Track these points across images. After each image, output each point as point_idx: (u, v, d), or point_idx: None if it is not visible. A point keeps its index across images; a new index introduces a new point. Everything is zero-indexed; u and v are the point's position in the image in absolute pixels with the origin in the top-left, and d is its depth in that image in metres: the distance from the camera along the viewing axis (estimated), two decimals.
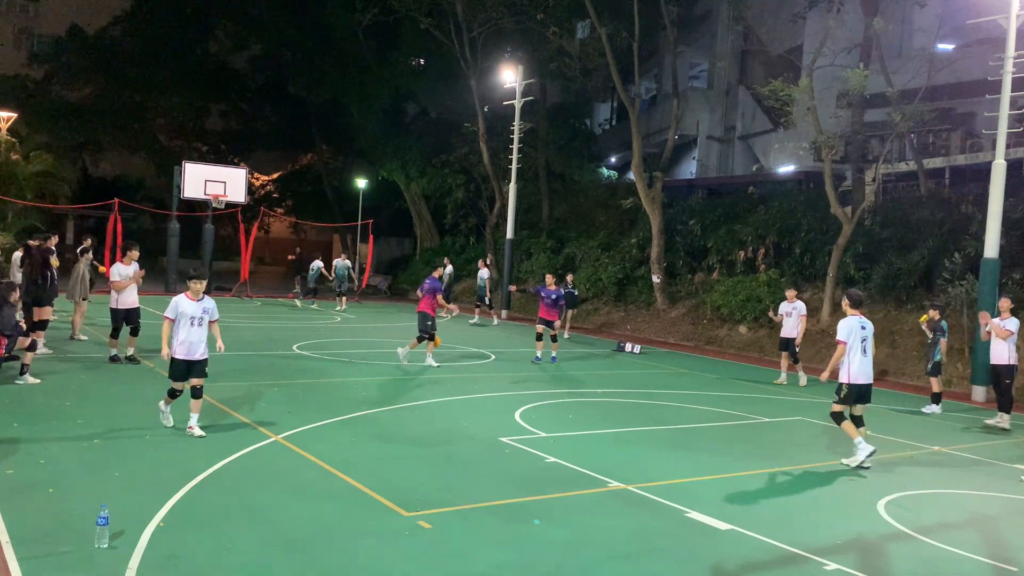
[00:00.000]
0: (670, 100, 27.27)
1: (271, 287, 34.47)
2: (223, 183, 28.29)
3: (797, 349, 15.61)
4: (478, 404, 11.85)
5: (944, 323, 13.80)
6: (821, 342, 19.14)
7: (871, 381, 9.43)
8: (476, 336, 20.80)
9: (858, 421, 9.45)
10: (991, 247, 15.22)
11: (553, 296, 16.49)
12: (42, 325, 12.91)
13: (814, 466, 9.32)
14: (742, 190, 28.80)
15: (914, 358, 17.49)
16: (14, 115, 32.00)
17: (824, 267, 20.83)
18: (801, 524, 7.17)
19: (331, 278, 27.53)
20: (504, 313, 27.23)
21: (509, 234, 27.64)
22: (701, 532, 6.77)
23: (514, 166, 27.60)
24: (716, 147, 36.43)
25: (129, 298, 13.03)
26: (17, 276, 13.88)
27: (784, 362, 15.74)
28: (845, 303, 9.61)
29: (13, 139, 31.69)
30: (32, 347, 11.11)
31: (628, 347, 19.73)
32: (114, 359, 13.03)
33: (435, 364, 14.87)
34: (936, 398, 13.54)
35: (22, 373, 10.98)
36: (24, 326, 11.43)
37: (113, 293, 13.04)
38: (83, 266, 15.21)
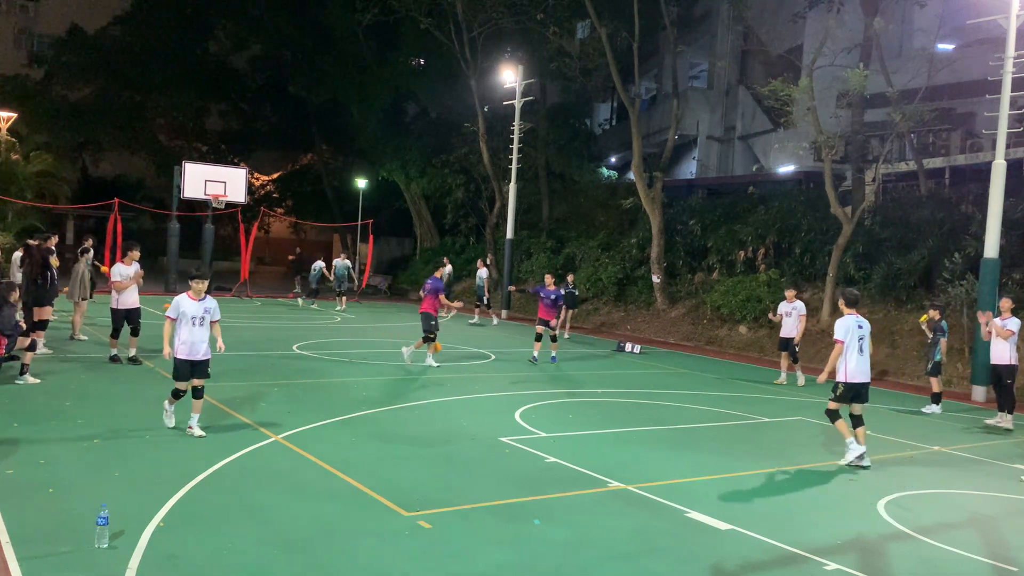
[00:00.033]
0: (670, 100, 27.27)
1: (271, 287, 34.47)
2: (223, 183, 28.29)
3: (797, 349, 15.61)
4: (478, 404, 11.85)
5: (944, 323, 13.80)
6: (821, 342, 19.13)
7: (868, 380, 9.44)
8: (476, 336, 20.80)
9: (858, 420, 9.46)
10: (991, 247, 15.22)
11: (552, 296, 16.50)
12: (42, 325, 12.91)
13: (814, 466, 9.32)
14: (742, 190, 28.80)
15: (914, 358, 17.49)
16: (14, 115, 32.01)
17: (824, 267, 20.83)
18: (801, 524, 7.17)
19: (331, 279, 27.55)
20: (504, 313, 27.24)
21: (509, 234, 27.64)
22: (701, 532, 6.77)
23: (514, 166, 27.61)
24: (716, 147, 36.44)
25: (130, 298, 13.04)
26: (17, 276, 13.88)
27: (784, 362, 15.74)
28: (841, 303, 9.69)
29: (13, 139, 31.70)
30: (32, 347, 11.11)
31: (628, 347, 19.73)
32: (114, 359, 13.03)
33: (435, 364, 14.86)
34: (936, 398, 13.54)
35: (22, 373, 10.99)
36: (24, 326, 11.42)
37: (114, 293, 13.05)
38: (83, 266, 15.22)
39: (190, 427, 8.80)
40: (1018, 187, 18.35)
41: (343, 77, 36.49)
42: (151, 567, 5.36)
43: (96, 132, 39.97)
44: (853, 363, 9.26)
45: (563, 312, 22.03)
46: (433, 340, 14.86)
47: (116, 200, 27.04)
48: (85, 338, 15.30)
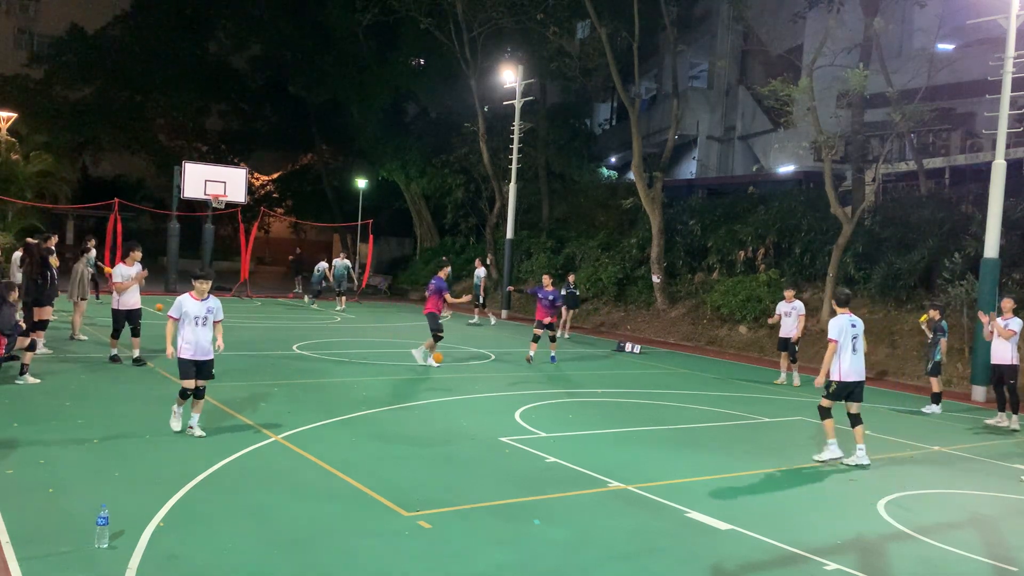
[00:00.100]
0: (670, 100, 27.27)
1: (271, 287, 34.48)
2: (223, 183, 28.29)
3: (796, 348, 15.62)
4: (478, 404, 11.86)
5: (944, 323, 13.80)
6: (821, 342, 19.10)
7: (863, 379, 9.49)
8: (476, 336, 20.80)
9: (855, 419, 9.48)
10: (991, 247, 15.22)
11: (550, 297, 16.46)
12: (42, 325, 12.90)
13: (814, 466, 9.32)
14: (742, 190, 28.80)
15: (914, 358, 17.49)
16: (14, 115, 32.01)
17: (824, 267, 20.82)
18: (801, 524, 7.17)
19: (330, 280, 27.56)
20: (504, 313, 27.24)
21: (509, 234, 27.65)
22: (701, 532, 6.77)
23: (514, 166, 27.61)
24: (716, 147, 36.43)
25: (131, 299, 13.02)
26: (17, 276, 13.89)
27: (784, 362, 15.73)
28: (833, 303, 9.83)
29: (13, 139, 31.70)
30: (32, 347, 11.11)
31: (628, 347, 19.73)
32: (114, 359, 13.03)
33: (435, 364, 14.86)
34: (936, 398, 13.54)
35: (22, 373, 10.99)
36: (24, 326, 11.43)
37: (115, 294, 13.04)
38: (82, 266, 15.21)
39: (190, 427, 8.80)
40: (1018, 187, 18.35)
41: (343, 77, 36.49)
42: (151, 567, 5.36)
43: (96, 132, 39.97)
44: (847, 362, 9.32)
45: (564, 312, 22.06)
46: (440, 339, 14.85)
47: (116, 200, 27.05)
48: (85, 338, 15.30)
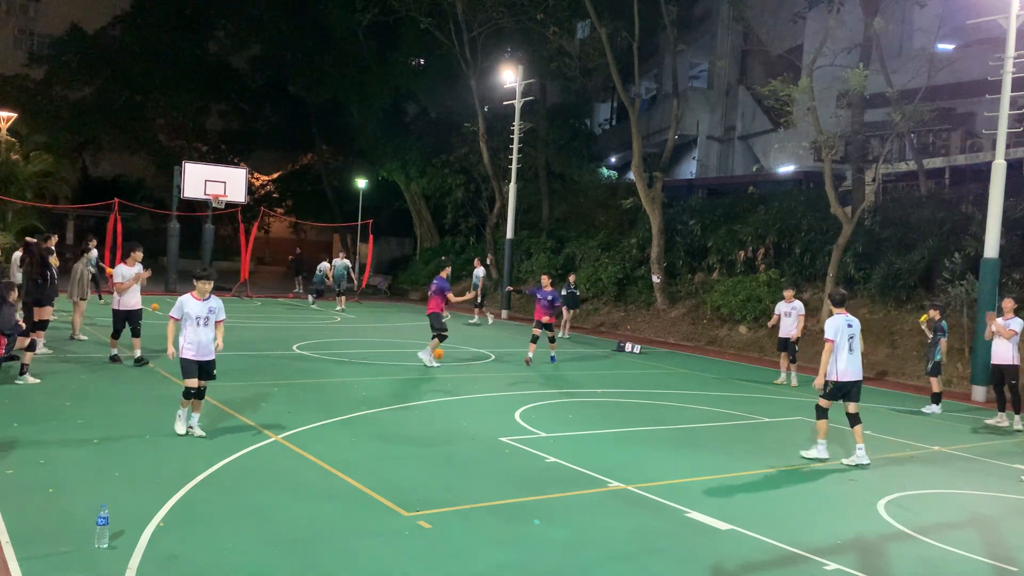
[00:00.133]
0: (670, 100, 27.27)
1: (271, 287, 34.49)
2: (223, 183, 28.30)
3: (796, 348, 15.62)
4: (478, 404, 11.86)
5: (944, 323, 13.80)
6: (820, 342, 18.98)
7: (860, 378, 9.52)
8: (476, 336, 20.80)
9: (854, 419, 9.50)
10: (991, 247, 15.22)
11: (549, 297, 16.41)
12: (42, 325, 12.90)
13: (814, 466, 9.32)
14: (742, 190, 28.80)
15: (914, 358, 17.48)
16: (14, 115, 32.01)
17: (824, 267, 20.83)
18: (801, 524, 7.17)
19: (330, 280, 27.56)
20: (504, 313, 27.25)
21: (509, 234, 27.65)
22: (701, 532, 6.77)
23: (514, 166, 27.61)
24: (716, 147, 36.43)
25: (131, 300, 12.99)
26: (17, 276, 13.89)
27: (784, 362, 15.73)
28: (829, 303, 9.82)
29: (13, 139, 31.71)
30: (32, 347, 11.11)
31: (628, 347, 19.73)
32: (114, 359, 13.02)
33: (436, 364, 14.86)
34: (936, 398, 13.55)
35: (22, 373, 10.99)
36: (24, 326, 11.43)
37: (115, 294, 13.02)
38: (82, 266, 15.21)
39: (190, 427, 8.80)
40: (1018, 187, 18.35)
41: (343, 77, 36.50)
42: (151, 567, 5.36)
43: (96, 132, 39.97)
44: (843, 362, 9.35)
45: (564, 312, 22.06)
46: (446, 338, 14.84)
47: (116, 200, 27.05)
48: (85, 338, 15.30)
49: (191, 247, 33.64)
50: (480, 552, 6.05)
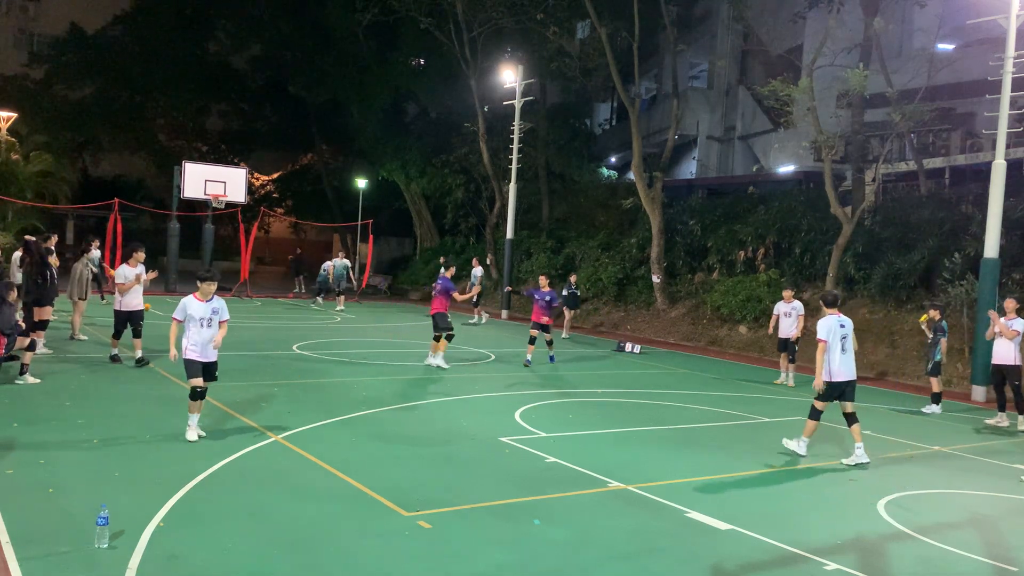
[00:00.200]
0: (670, 100, 27.26)
1: (271, 287, 34.49)
2: (223, 183, 28.29)
3: (796, 348, 15.62)
4: (478, 404, 11.85)
5: (944, 323, 13.79)
6: None
7: (854, 378, 9.55)
8: (476, 336, 20.80)
9: (851, 419, 9.53)
10: (991, 247, 15.22)
11: (547, 298, 16.34)
12: (42, 325, 12.90)
13: (814, 466, 9.33)
14: (742, 190, 28.80)
15: (914, 358, 17.48)
16: (14, 115, 32.01)
17: (824, 267, 20.83)
18: (801, 524, 7.17)
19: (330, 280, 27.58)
20: (504, 313, 27.26)
21: (509, 234, 27.65)
22: (701, 532, 6.78)
23: (514, 166, 27.61)
24: (716, 147, 36.42)
25: (133, 300, 12.96)
26: (17, 276, 13.88)
27: (783, 362, 15.73)
28: (821, 304, 9.95)
29: (13, 139, 31.70)
30: (31, 347, 11.11)
31: (628, 347, 19.73)
32: (114, 359, 13.02)
33: (436, 364, 14.84)
34: (936, 398, 13.55)
35: (22, 373, 10.99)
36: (23, 326, 11.43)
37: (117, 294, 13.01)
38: (82, 265, 15.20)
39: (190, 427, 8.79)
40: (1018, 187, 18.35)
41: (343, 77, 36.49)
42: (151, 567, 5.36)
43: (96, 132, 39.97)
44: (836, 362, 9.39)
45: (565, 313, 22.06)
46: (452, 337, 14.81)
47: (116, 200, 27.04)
48: (85, 338, 15.30)
49: (191, 247, 33.63)
50: (480, 552, 6.05)
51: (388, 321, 23.83)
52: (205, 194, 27.89)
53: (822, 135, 19.88)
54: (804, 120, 20.64)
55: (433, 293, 15.27)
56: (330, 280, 27.36)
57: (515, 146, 27.53)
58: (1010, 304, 12.35)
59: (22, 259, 13.94)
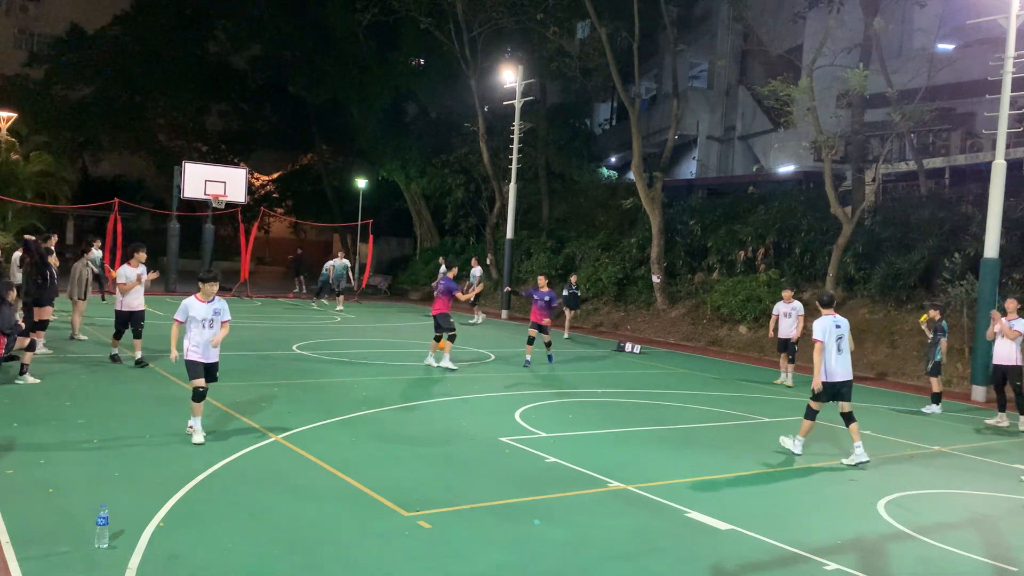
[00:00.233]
0: (670, 100, 27.27)
1: (271, 287, 34.49)
2: (223, 183, 28.29)
3: (796, 348, 15.62)
4: (478, 404, 11.86)
5: (944, 323, 13.79)
6: None
7: (850, 378, 9.56)
8: (476, 336, 20.80)
9: (848, 418, 9.54)
10: (991, 247, 15.22)
11: (546, 298, 16.31)
12: (42, 325, 12.90)
13: (814, 466, 9.33)
14: (742, 190, 28.80)
15: (914, 358, 17.48)
16: (14, 115, 32.01)
17: (824, 267, 20.83)
18: (801, 524, 7.17)
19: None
20: (504, 313, 27.26)
21: (509, 234, 27.65)
22: (701, 532, 6.78)
23: (514, 166, 27.61)
24: (716, 147, 36.43)
25: (134, 301, 12.93)
26: (17, 276, 13.88)
27: (783, 362, 15.74)
28: (817, 304, 9.99)
29: (13, 139, 31.71)
30: (31, 347, 11.11)
31: (628, 347, 19.73)
32: (114, 359, 13.02)
33: (435, 364, 14.86)
34: (936, 398, 13.54)
35: (22, 373, 10.99)
36: (23, 325, 11.43)
37: (118, 294, 12.99)
38: (82, 265, 15.20)
39: (190, 427, 8.78)
40: (1018, 187, 18.35)
41: (343, 77, 36.50)
42: (151, 567, 5.36)
43: (96, 132, 39.96)
44: (832, 362, 9.42)
45: (566, 313, 22.06)
46: (455, 337, 14.79)
47: (116, 200, 27.04)
48: (85, 338, 15.30)
49: (191, 247, 33.64)
50: (480, 552, 6.05)
51: (388, 321, 23.84)
52: (205, 194, 27.90)
53: (822, 135, 19.88)
54: (804, 120, 20.64)
55: (435, 293, 15.24)
56: (330, 280, 27.37)
57: (515, 146, 27.53)
58: (1011, 304, 12.34)
59: (22, 259, 13.93)
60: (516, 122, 27.40)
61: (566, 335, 21.71)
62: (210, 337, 8.62)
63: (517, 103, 27.35)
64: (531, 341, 16.12)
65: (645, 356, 19.11)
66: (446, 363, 14.66)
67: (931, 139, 25.08)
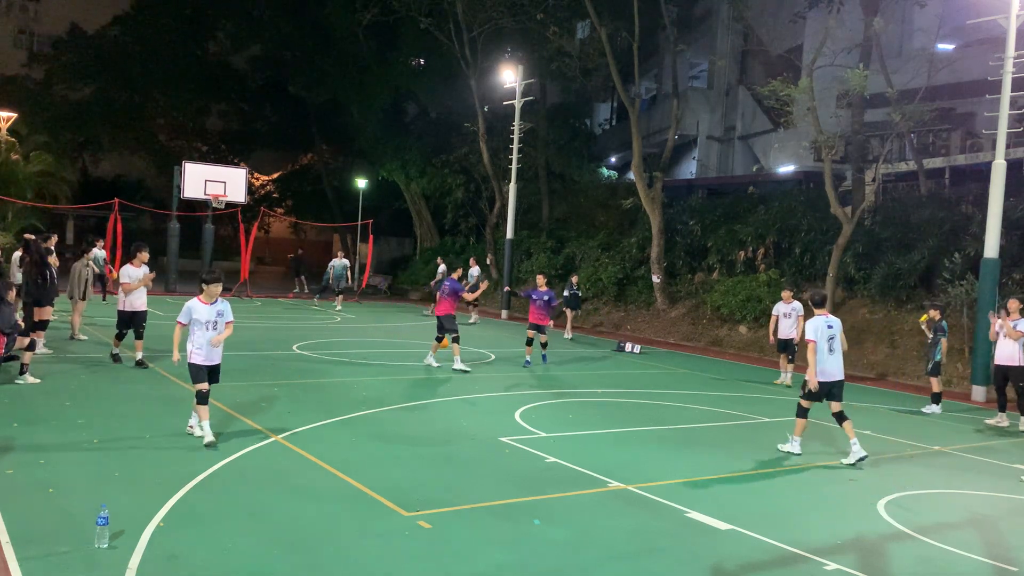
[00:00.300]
0: (670, 100, 27.27)
1: (271, 287, 34.48)
2: (223, 183, 28.29)
3: (796, 348, 15.61)
4: (478, 404, 11.85)
5: (944, 323, 13.79)
6: None
7: (842, 377, 9.61)
8: (476, 336, 20.80)
9: (840, 417, 9.57)
10: (991, 247, 15.22)
11: (545, 298, 16.30)
12: (42, 325, 12.89)
13: (814, 466, 9.33)
14: (742, 190, 28.80)
15: (914, 358, 17.48)
16: (14, 115, 32.02)
17: (824, 267, 20.82)
18: (801, 524, 7.17)
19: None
20: (504, 313, 27.25)
21: (509, 234, 27.65)
22: (701, 532, 6.78)
23: (514, 166, 27.61)
24: (716, 147, 36.43)
25: (137, 301, 12.88)
26: (17, 276, 13.89)
27: (783, 362, 15.74)
28: (810, 303, 10.07)
29: (13, 139, 31.71)
30: (31, 347, 11.10)
31: (628, 347, 19.73)
32: (115, 358, 13.01)
33: (435, 364, 14.86)
34: (936, 398, 13.54)
35: (22, 373, 10.99)
36: (23, 325, 11.43)
37: (121, 295, 12.95)
38: (82, 265, 15.21)
39: (190, 426, 8.79)
40: (1018, 187, 18.35)
41: (343, 77, 36.50)
42: (151, 567, 5.36)
43: (96, 132, 39.98)
44: (823, 362, 9.46)
45: (567, 313, 22.05)
46: (458, 339, 14.75)
47: (116, 200, 27.05)
48: (85, 338, 15.30)
49: (191, 247, 33.65)
50: (480, 552, 6.05)
51: (388, 321, 23.83)
52: (205, 194, 27.90)
53: (822, 135, 19.88)
54: (804, 120, 20.64)
55: (440, 295, 15.19)
56: (330, 280, 27.37)
57: (515, 146, 27.53)
58: (1014, 304, 12.32)
59: (22, 259, 13.93)
60: (516, 122, 27.40)
61: (568, 336, 21.70)
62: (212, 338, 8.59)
63: (517, 103, 27.35)
64: (530, 342, 16.12)
65: (645, 356, 19.11)
66: (458, 365, 14.58)
67: (931, 139, 25.08)
